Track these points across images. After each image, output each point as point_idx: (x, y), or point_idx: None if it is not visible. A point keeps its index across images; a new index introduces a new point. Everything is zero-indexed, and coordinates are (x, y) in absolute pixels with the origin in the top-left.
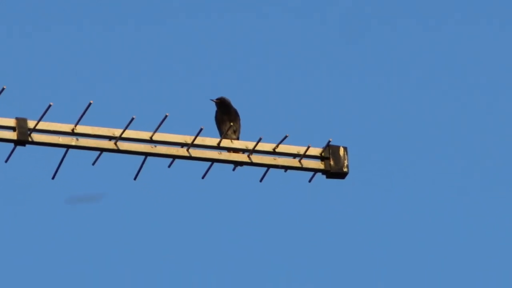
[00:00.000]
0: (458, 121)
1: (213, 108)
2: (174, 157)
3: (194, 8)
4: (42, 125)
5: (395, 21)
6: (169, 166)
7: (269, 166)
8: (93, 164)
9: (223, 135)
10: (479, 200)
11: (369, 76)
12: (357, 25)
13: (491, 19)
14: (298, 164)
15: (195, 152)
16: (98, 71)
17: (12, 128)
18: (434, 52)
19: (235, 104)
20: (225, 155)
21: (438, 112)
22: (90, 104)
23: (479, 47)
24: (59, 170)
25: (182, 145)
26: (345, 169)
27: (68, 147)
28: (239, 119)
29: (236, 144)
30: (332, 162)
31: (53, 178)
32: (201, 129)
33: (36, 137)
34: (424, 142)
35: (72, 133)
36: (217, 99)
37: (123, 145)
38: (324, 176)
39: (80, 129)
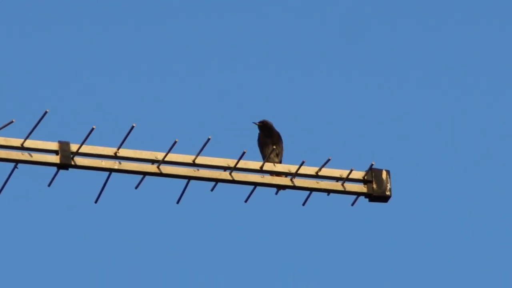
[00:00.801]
0: (458, 124)
1: (256, 131)
2: (216, 180)
3: (193, 8)
4: (84, 149)
5: (395, 21)
6: (212, 190)
7: (312, 189)
8: (136, 187)
9: (265, 158)
10: None
11: (410, 97)
12: (357, 25)
13: (491, 19)
14: (341, 188)
15: (237, 176)
16: (141, 93)
17: (55, 152)
18: (435, 52)
19: (277, 126)
20: (267, 179)
21: (437, 117)
22: (133, 127)
23: (479, 47)
24: (102, 194)
25: (224, 168)
26: (387, 193)
27: (111, 170)
28: (282, 142)
29: (279, 167)
30: (374, 186)
31: (96, 202)
32: (244, 153)
33: (79, 160)
34: (467, 159)
35: (115, 157)
36: (259, 122)
37: (166, 169)
38: (367, 200)
39: (122, 152)
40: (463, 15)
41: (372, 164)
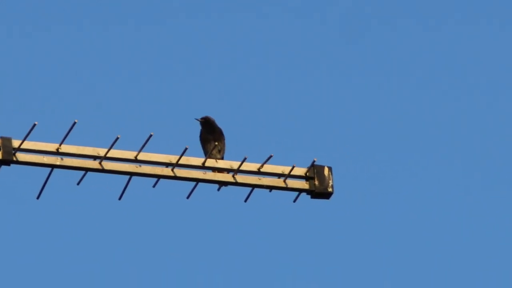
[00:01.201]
0: (458, 124)
1: (198, 127)
2: (159, 177)
3: (193, 8)
4: (26, 145)
5: (395, 21)
6: (154, 186)
7: (254, 186)
8: (78, 183)
9: (208, 154)
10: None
11: (352, 91)
12: (357, 25)
13: (491, 19)
14: (283, 184)
15: (180, 172)
16: (82, 88)
17: None
18: (434, 52)
19: (220, 123)
20: (210, 175)
21: (437, 117)
22: (75, 123)
23: (479, 47)
24: (44, 190)
25: (167, 164)
26: (329, 189)
27: (53, 166)
28: (224, 139)
29: (221, 164)
30: (317, 182)
31: (38, 198)
32: (186, 149)
33: (21, 156)
34: (410, 157)
35: (57, 153)
36: (201, 118)
37: (108, 165)
38: (309, 196)
39: (65, 148)
40: (463, 15)
41: (314, 161)
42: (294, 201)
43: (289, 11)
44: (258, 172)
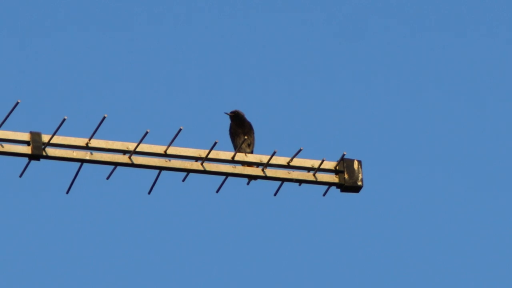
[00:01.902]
0: (472, 124)
1: (227, 121)
2: (188, 171)
3: (198, 13)
4: (56, 139)
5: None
6: (183, 180)
7: (283, 179)
8: (107, 178)
9: (237, 148)
10: (503, 212)
11: (383, 86)
12: (356, 28)
13: (491, 19)
14: (312, 178)
15: (209, 166)
16: (112, 84)
17: (27, 143)
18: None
19: (249, 117)
20: (239, 169)
21: (457, 117)
22: (104, 117)
23: (480, 47)
24: (73, 184)
25: (196, 159)
26: (359, 183)
27: (82, 161)
28: (253, 133)
29: (250, 157)
30: (346, 176)
31: (67, 192)
32: (215, 143)
33: (50, 151)
34: (439, 150)
35: (87, 147)
36: (231, 112)
37: (137, 159)
38: (339, 190)
39: (94, 143)
40: (463, 15)
41: (343, 154)
42: (324, 194)
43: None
44: (288, 166)
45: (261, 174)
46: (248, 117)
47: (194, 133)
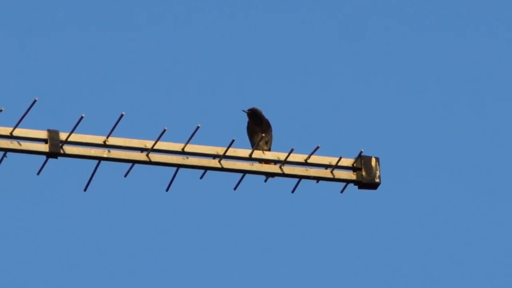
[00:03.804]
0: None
1: (245, 119)
2: (206, 168)
3: (195, 10)
4: (74, 137)
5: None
6: (201, 178)
7: (301, 177)
8: (125, 176)
9: (255, 146)
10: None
11: (399, 83)
12: (356, 25)
13: (491, 19)
14: (330, 175)
15: (227, 164)
16: (130, 82)
17: (44, 141)
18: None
19: (267, 114)
20: (257, 166)
21: (467, 116)
22: (122, 115)
23: (480, 47)
24: (91, 182)
25: (214, 156)
26: (377, 180)
27: (100, 159)
28: (271, 130)
29: (268, 155)
30: (364, 173)
31: (85, 190)
32: (233, 141)
33: (68, 149)
34: (456, 148)
35: (104, 145)
36: (249, 110)
37: (155, 157)
38: (356, 187)
39: (112, 141)
40: (464, 15)
41: (361, 151)
42: (342, 191)
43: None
44: (305, 163)
45: (279, 171)
46: (266, 114)
47: (212, 131)
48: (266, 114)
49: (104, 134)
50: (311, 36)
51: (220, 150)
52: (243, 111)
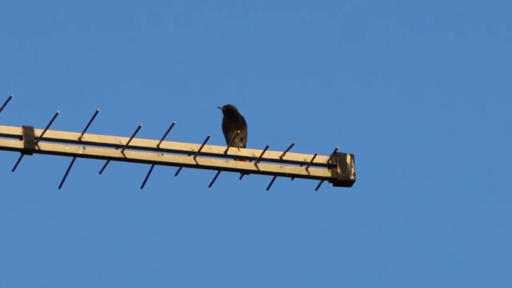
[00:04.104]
0: (465, 123)
1: (220, 115)
2: (181, 165)
3: (195, 10)
4: (49, 134)
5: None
6: (176, 175)
7: (276, 174)
8: (100, 172)
9: (230, 143)
10: (491, 205)
11: (375, 80)
12: (356, 25)
13: (491, 19)
14: (305, 172)
15: (202, 160)
16: (104, 78)
17: (19, 137)
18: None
19: (242, 111)
20: (232, 163)
21: (445, 114)
22: (97, 112)
23: (480, 47)
24: (66, 179)
25: (189, 153)
26: (352, 177)
27: (75, 155)
28: (246, 127)
29: (243, 152)
30: (339, 170)
31: (60, 187)
32: (208, 137)
33: (43, 145)
34: (431, 146)
35: (79, 142)
36: (224, 106)
37: (130, 154)
38: (331, 184)
39: (87, 137)
40: (463, 15)
41: (336, 149)
42: (316, 189)
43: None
44: (280, 160)
45: (254, 168)
46: (242, 112)
47: (187, 128)
48: (242, 112)
49: (79, 130)
50: (311, 36)
51: (195, 147)
52: (219, 107)
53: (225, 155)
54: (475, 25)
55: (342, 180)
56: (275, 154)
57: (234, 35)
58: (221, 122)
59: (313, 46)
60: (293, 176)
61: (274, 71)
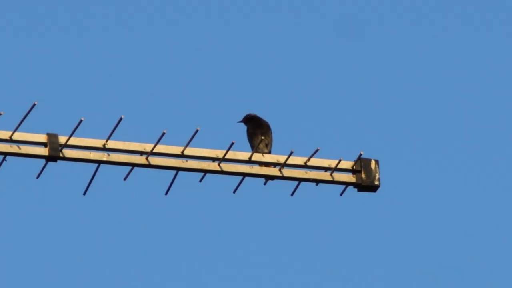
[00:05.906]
0: (493, 127)
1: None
2: (205, 171)
3: (214, 16)
4: (73, 141)
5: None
6: (200, 181)
7: (300, 179)
8: (125, 179)
9: (254, 149)
10: None
11: (401, 86)
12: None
13: (491, 19)
14: (329, 178)
15: (226, 167)
16: (128, 85)
17: (44, 144)
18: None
19: (266, 117)
20: (256, 169)
21: (473, 119)
22: (121, 119)
23: (480, 46)
24: (90, 186)
25: (213, 159)
26: (376, 182)
27: (99, 162)
28: (271, 133)
29: (268, 158)
30: (363, 175)
31: (84, 194)
32: (232, 143)
33: (67, 152)
34: (457, 151)
35: (104, 149)
36: (243, 118)
37: (154, 160)
38: (356, 190)
39: (111, 144)
40: (463, 15)
41: (360, 154)
42: (341, 194)
43: (290, 11)
44: (305, 166)
45: (278, 174)
46: (266, 117)
47: (211, 134)
48: (266, 117)
49: (104, 137)
50: (311, 36)
51: (219, 153)
52: (238, 122)
53: (249, 161)
54: (475, 25)
55: (367, 186)
56: (300, 160)
57: (260, 41)
58: (245, 128)
59: (338, 52)
60: (317, 181)
61: (299, 77)
